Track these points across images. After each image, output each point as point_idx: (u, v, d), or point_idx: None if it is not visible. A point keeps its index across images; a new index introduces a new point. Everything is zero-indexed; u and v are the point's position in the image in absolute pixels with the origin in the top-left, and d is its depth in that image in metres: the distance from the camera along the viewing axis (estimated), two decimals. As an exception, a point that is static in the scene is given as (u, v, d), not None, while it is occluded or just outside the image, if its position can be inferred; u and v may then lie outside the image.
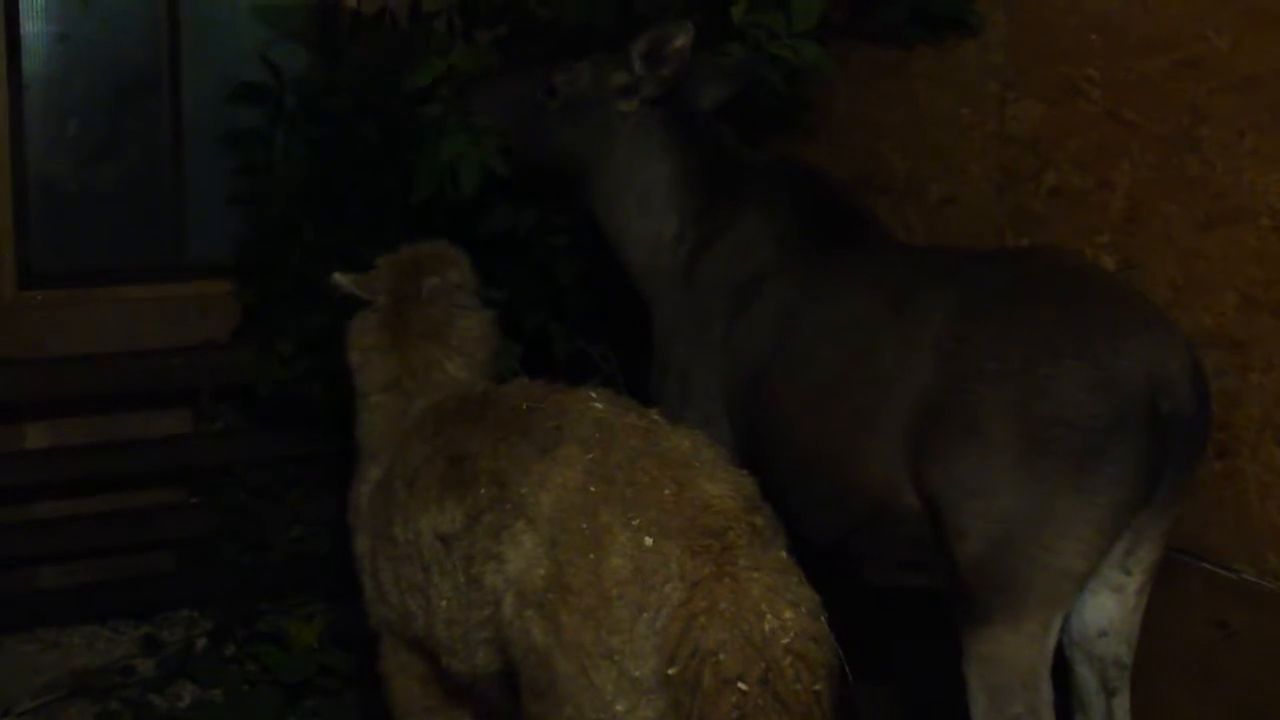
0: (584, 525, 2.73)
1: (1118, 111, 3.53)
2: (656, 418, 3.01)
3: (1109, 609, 3.05)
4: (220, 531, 5.00)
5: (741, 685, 2.51)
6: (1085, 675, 3.11)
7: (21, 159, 5.04)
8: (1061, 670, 3.07)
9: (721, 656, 2.52)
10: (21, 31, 5.06)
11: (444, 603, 3.10)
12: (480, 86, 3.93)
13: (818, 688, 2.57)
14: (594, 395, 3.08)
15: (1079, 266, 3.23)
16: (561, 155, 3.78)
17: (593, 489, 2.77)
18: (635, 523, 2.67)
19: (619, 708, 2.65)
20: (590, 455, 2.84)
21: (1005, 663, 2.89)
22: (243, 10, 5.36)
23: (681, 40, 3.58)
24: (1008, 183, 3.86)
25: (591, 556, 2.68)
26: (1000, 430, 2.83)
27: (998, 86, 3.87)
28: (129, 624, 5.01)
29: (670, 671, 2.57)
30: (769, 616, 2.53)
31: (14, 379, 4.83)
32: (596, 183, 3.76)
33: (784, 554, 2.73)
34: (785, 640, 2.53)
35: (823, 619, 2.63)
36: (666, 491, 2.70)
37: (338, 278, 3.53)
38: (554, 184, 3.94)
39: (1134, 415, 2.79)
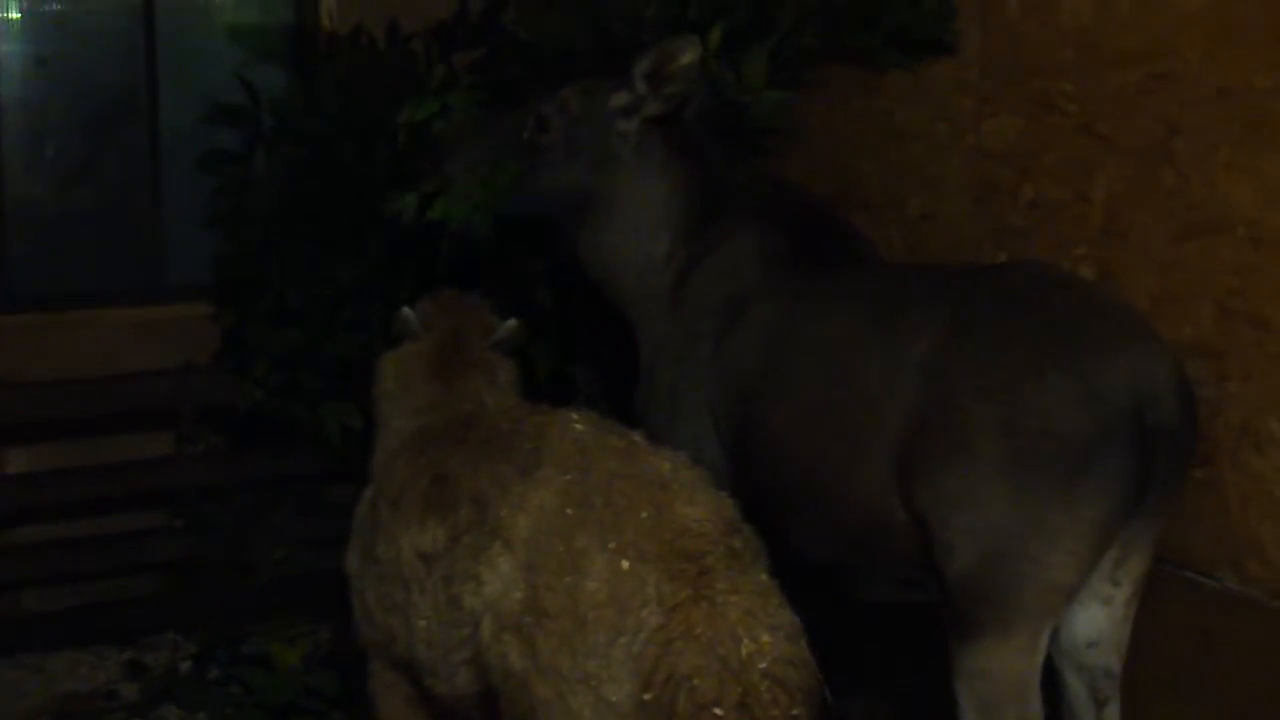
0: (561, 548, 2.72)
1: (1093, 125, 3.54)
2: (637, 439, 3.00)
3: (1098, 620, 3.05)
4: (203, 554, 4.97)
5: (718, 710, 2.51)
6: (1075, 686, 3.10)
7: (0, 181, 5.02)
8: (1051, 681, 3.07)
9: (697, 681, 2.51)
10: (-1, 54, 5.03)
11: (423, 623, 3.09)
12: (458, 148, 3.83)
13: (796, 712, 2.58)
14: (575, 417, 3.08)
15: (1064, 281, 3.23)
16: (558, 190, 3.67)
17: (570, 511, 2.76)
18: (612, 546, 2.66)
19: (596, 732, 2.63)
20: (568, 477, 2.84)
21: (995, 675, 2.89)
22: (220, 33, 5.35)
23: (688, 57, 3.51)
24: (985, 197, 3.86)
25: (568, 580, 2.67)
26: (987, 445, 2.84)
27: (973, 102, 3.87)
28: (112, 648, 4.96)
29: (646, 696, 2.56)
30: (746, 641, 2.53)
31: (-6, 402, 4.80)
32: (590, 210, 3.66)
33: (764, 576, 2.72)
34: (763, 665, 2.53)
35: (802, 642, 2.63)
36: (644, 514, 2.69)
37: (405, 313, 3.57)
38: (539, 222, 3.86)
39: (1120, 428, 2.79)
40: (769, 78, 4.04)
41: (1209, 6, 3.26)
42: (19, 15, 5.24)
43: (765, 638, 2.54)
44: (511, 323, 3.59)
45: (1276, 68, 3.13)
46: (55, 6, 5.32)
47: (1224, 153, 3.24)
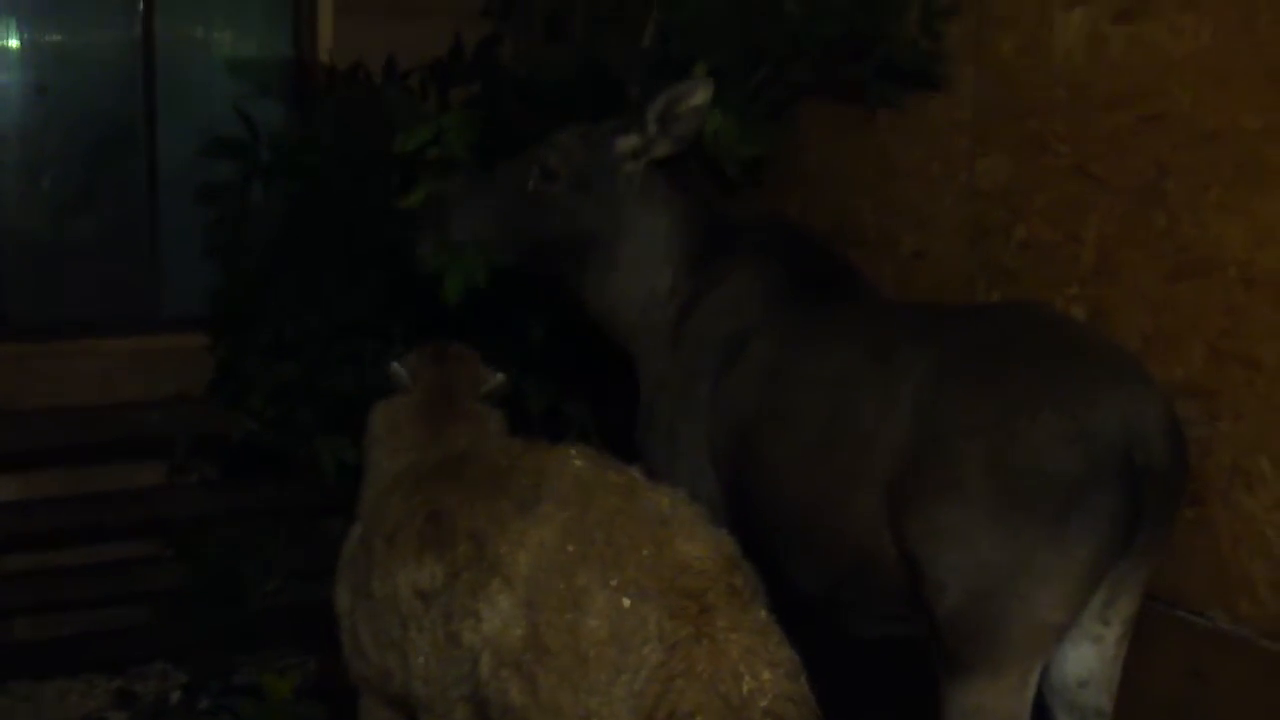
0: (561, 585, 2.71)
1: (1085, 166, 3.56)
2: (636, 475, 2.99)
3: (1089, 659, 3.05)
4: (195, 584, 4.95)
5: (719, 747, 2.50)
6: (1067, 725, 3.10)
7: (-3, 210, 5.04)
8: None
9: (699, 719, 2.50)
10: (-2, 83, 5.05)
11: (421, 659, 3.06)
12: (457, 205, 3.76)
13: (796, 749, 2.56)
14: (573, 453, 3.06)
15: (1055, 321, 3.24)
16: (566, 236, 3.64)
17: (571, 548, 2.75)
18: (613, 583, 2.65)
19: (596, 770, 2.63)
20: (568, 514, 2.82)
21: (986, 713, 2.89)
22: (218, 65, 5.36)
23: (699, 98, 3.51)
24: (978, 236, 3.88)
25: (569, 617, 2.66)
26: (977, 484, 2.83)
27: (967, 141, 3.89)
28: (103, 677, 4.93)
29: None
30: (747, 678, 2.52)
31: (-12, 431, 4.79)
32: (595, 252, 3.64)
33: (764, 613, 2.71)
34: (764, 702, 2.52)
35: (802, 679, 2.62)
36: (645, 552, 2.69)
37: (395, 367, 3.56)
38: (542, 270, 3.83)
39: (1109, 468, 2.79)
40: (756, 112, 4.05)
41: (1199, 50, 3.29)
42: (18, 44, 5.25)
43: (766, 675, 2.53)
44: (499, 377, 3.58)
45: (1266, 110, 3.16)
46: (54, 36, 5.33)
47: (1215, 194, 3.26)
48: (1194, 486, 3.25)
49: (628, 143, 3.57)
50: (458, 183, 3.82)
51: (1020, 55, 3.74)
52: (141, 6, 5.29)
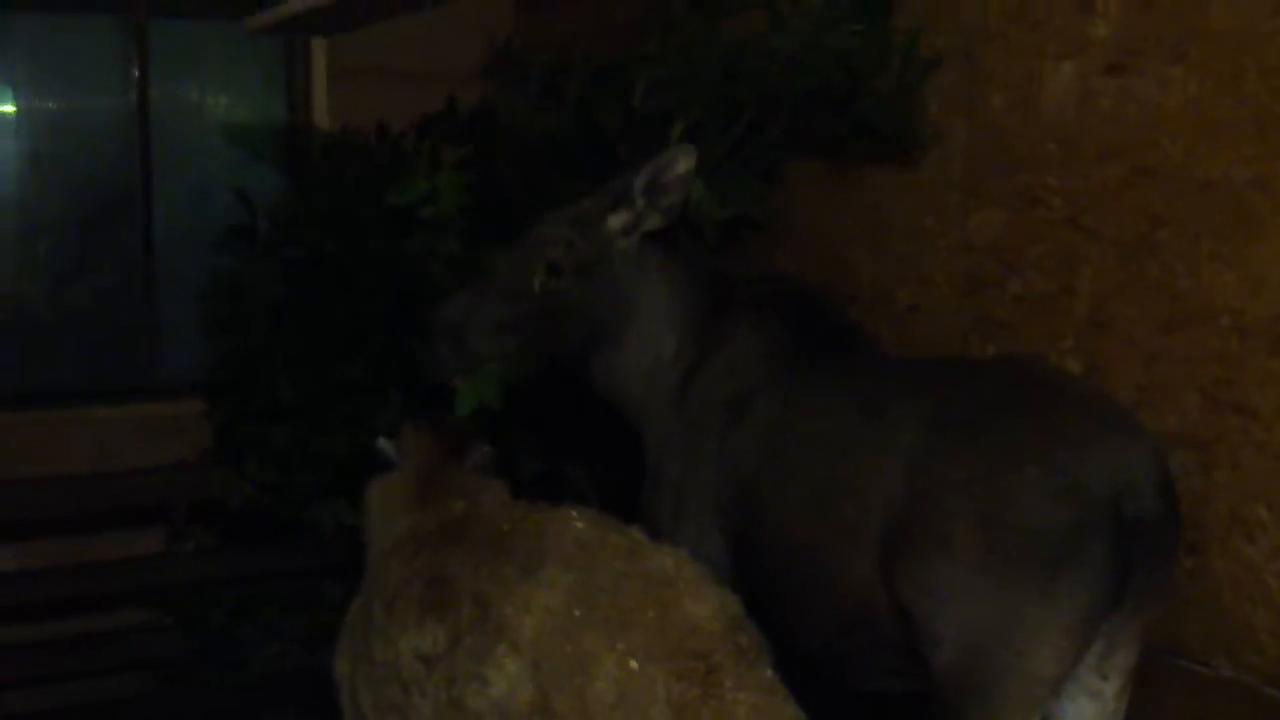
0: (568, 649, 2.70)
1: (1078, 219, 3.57)
2: (638, 536, 2.99)
3: (1087, 714, 3.02)
4: (195, 652, 4.94)
5: (727, 808, 2.50)
6: (1069, 781, 3.09)
7: (-7, 278, 5.06)
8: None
9: (709, 779, 2.51)
10: (-5, 150, 5.07)
11: (424, 725, 3.06)
12: (472, 323, 3.62)
13: (802, 807, 2.56)
14: (575, 514, 3.06)
15: (1045, 374, 3.24)
16: (578, 329, 3.59)
17: (577, 612, 2.75)
18: (620, 646, 2.65)
19: (606, 834, 2.62)
20: (573, 577, 2.82)
21: (986, 768, 2.89)
22: (214, 131, 5.38)
23: (683, 165, 3.47)
24: (973, 290, 3.89)
25: (577, 681, 2.66)
26: (966, 539, 2.83)
27: (959, 196, 3.90)
28: (108, 746, 4.94)
29: None
30: (754, 736, 2.52)
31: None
32: (601, 336, 3.61)
33: (769, 672, 2.72)
34: (771, 759, 2.52)
35: (808, 737, 2.63)
36: (651, 613, 2.69)
37: (382, 443, 3.55)
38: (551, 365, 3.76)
39: (1098, 520, 2.78)
40: (732, 170, 4.06)
41: (1189, 102, 3.30)
42: (13, 110, 5.28)
43: (772, 733, 2.55)
44: (487, 449, 3.57)
45: (1256, 161, 3.17)
46: (50, 104, 5.36)
47: (1207, 244, 3.27)
48: (1193, 536, 3.26)
49: (618, 220, 3.54)
50: (463, 295, 3.74)
51: (1011, 110, 3.75)
52: (137, 73, 5.31)
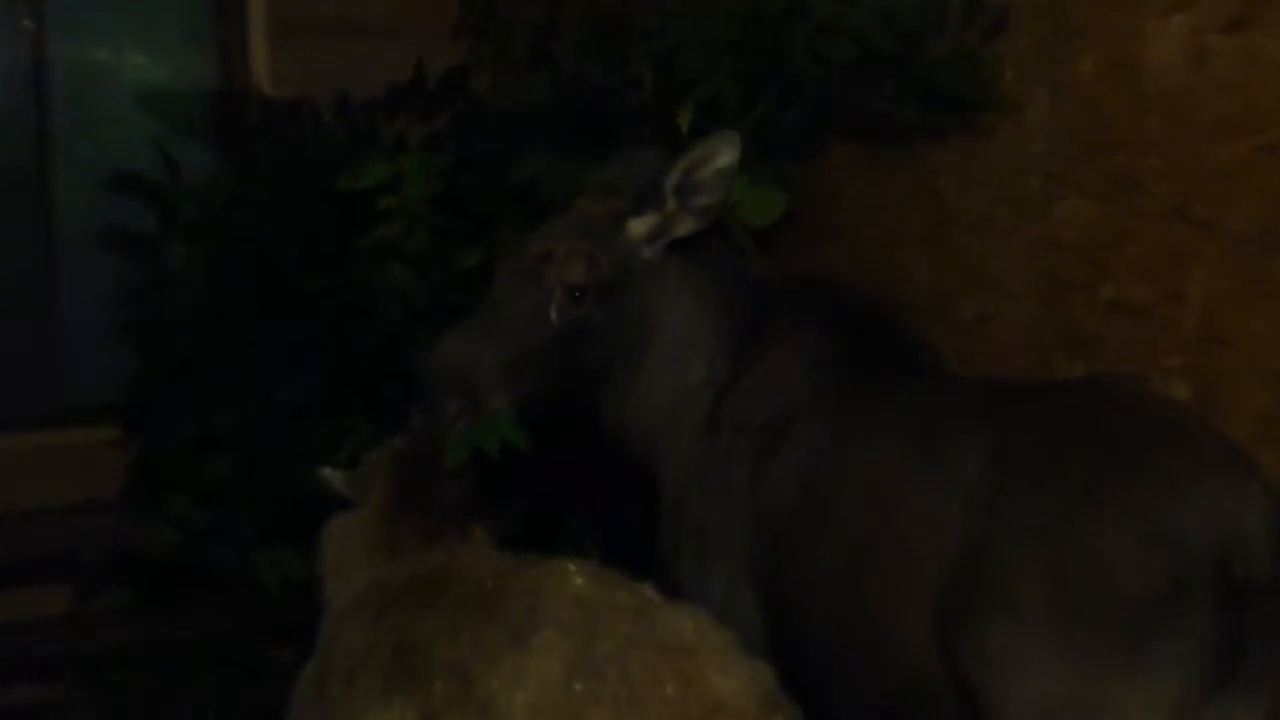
0: (568, 732, 2.70)
1: (1187, 209, 3.54)
2: (650, 594, 2.98)
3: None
4: (110, 731, 4.93)
5: None
6: None
7: None
8: None
9: None
10: None
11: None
12: (480, 372, 3.52)
13: None
14: (573, 568, 3.05)
15: (1142, 400, 3.21)
16: (595, 357, 3.56)
17: (578, 686, 2.73)
18: (630, 729, 2.64)
19: None
20: (572, 644, 2.81)
21: None
22: (128, 100, 5.37)
23: (725, 158, 3.44)
24: (1056, 297, 3.88)
25: (578, 772, 2.66)
26: (1035, 599, 2.80)
27: (1040, 181, 3.89)
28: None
29: None
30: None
31: None
32: (617, 365, 3.61)
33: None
34: None
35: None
36: (669, 689, 2.67)
37: (327, 474, 3.54)
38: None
39: (1198, 579, 2.72)
40: (756, 159, 4.04)
41: (1327, 66, 3.30)
42: None
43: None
44: (467, 486, 3.58)
45: None
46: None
47: (1349, 240, 3.26)
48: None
49: (643, 226, 3.52)
50: (463, 332, 3.69)
51: (1105, 75, 3.72)
52: (32, 23, 5.30)
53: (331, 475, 3.54)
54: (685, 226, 3.51)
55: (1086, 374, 3.79)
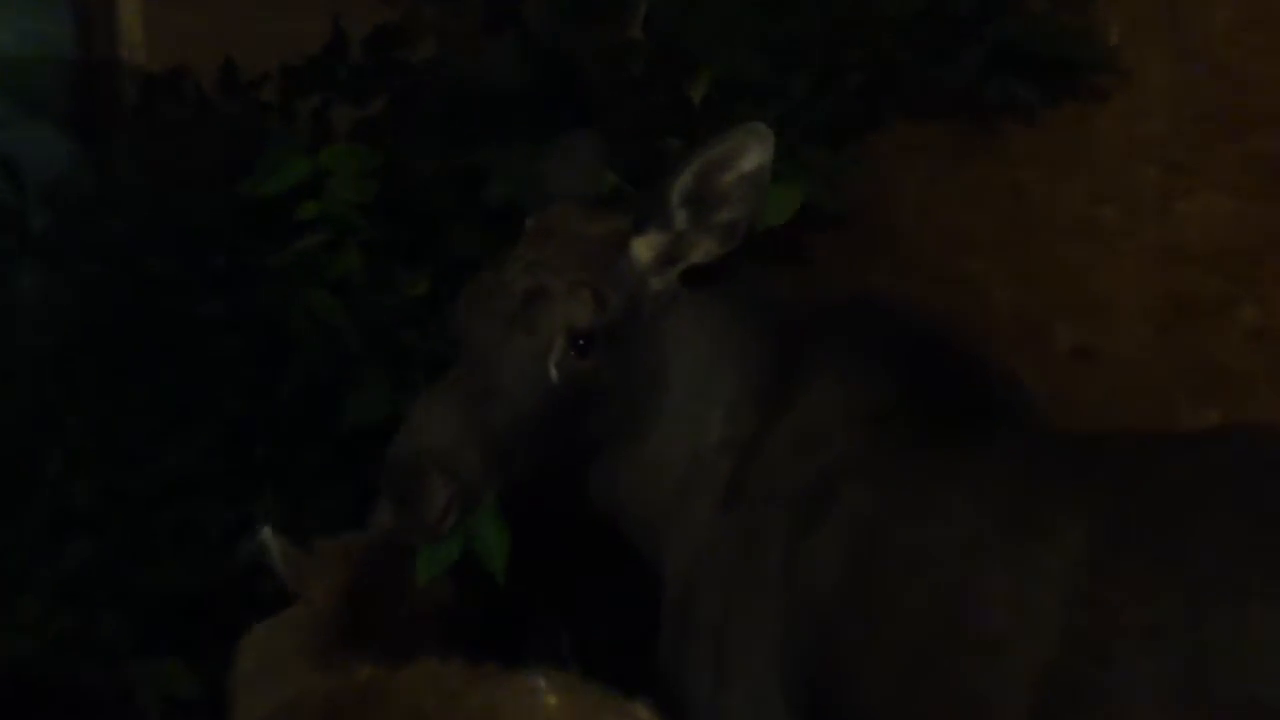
0: None
1: (1353, 207, 3.57)
2: (644, 716, 3.02)
3: None
4: None
5: None
6: None
7: None
8: None
9: None
10: None
11: None
12: (459, 454, 3.47)
13: None
14: (543, 684, 3.07)
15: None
16: (599, 419, 3.54)
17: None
18: None
19: None
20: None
21: None
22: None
23: (754, 159, 3.38)
24: (1180, 320, 3.89)
25: None
26: (1158, 716, 2.80)
27: (1158, 172, 3.91)
28: None
29: None
30: None
31: None
32: (623, 423, 3.59)
33: None
34: None
35: None
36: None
37: (268, 538, 3.53)
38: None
39: None
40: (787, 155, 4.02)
41: None
42: None
43: None
44: (442, 589, 3.60)
45: None
46: None
47: None
48: None
49: (649, 247, 3.50)
50: (435, 404, 3.63)
51: (1244, 30, 3.73)
52: None
53: (273, 542, 3.53)
54: (702, 249, 3.47)
55: (1222, 423, 3.79)
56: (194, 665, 4.14)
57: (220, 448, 4.53)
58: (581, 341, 3.39)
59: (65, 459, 4.52)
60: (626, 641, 3.78)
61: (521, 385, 3.41)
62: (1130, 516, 2.97)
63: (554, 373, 3.40)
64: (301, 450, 4.36)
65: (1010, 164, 4.22)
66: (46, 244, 4.72)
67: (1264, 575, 2.77)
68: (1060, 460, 3.29)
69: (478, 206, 4.17)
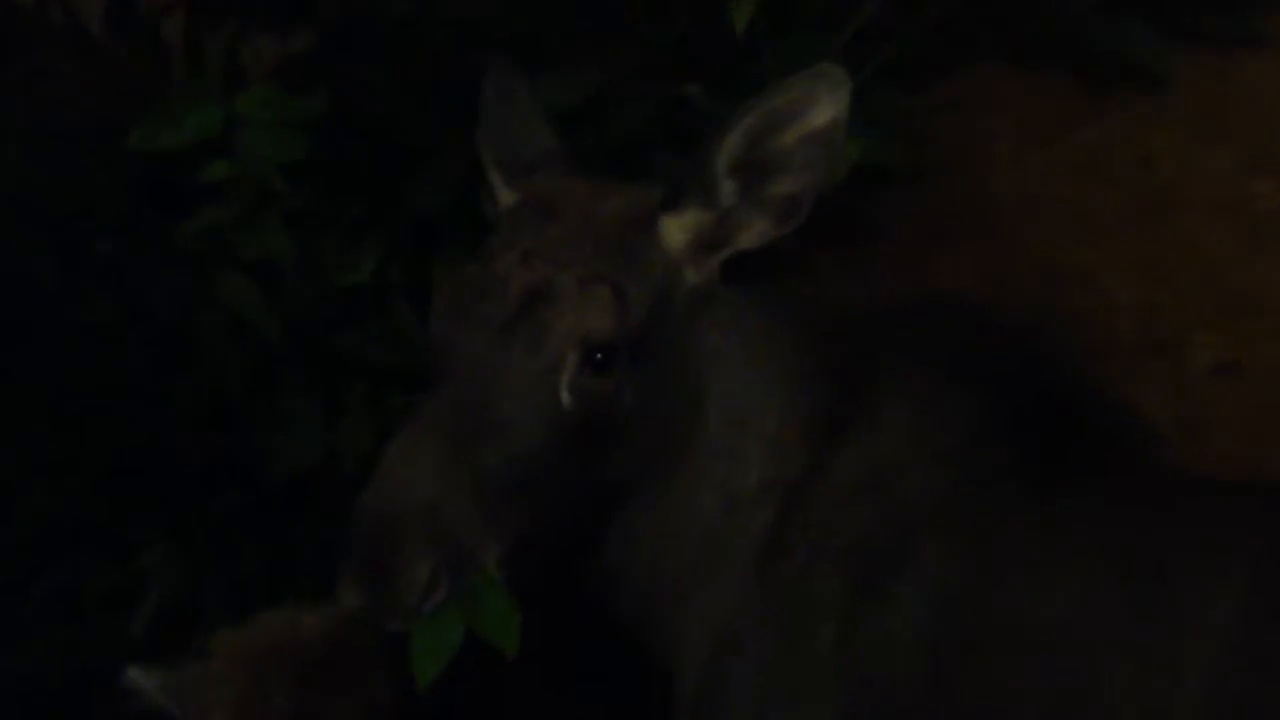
0: None
1: None
2: None
3: None
4: None
5: None
6: None
7: None
8: None
9: None
10: None
11: None
12: (446, 511, 3.36)
13: None
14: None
15: None
16: (630, 457, 3.47)
17: None
18: None
19: None
20: None
21: None
22: None
23: (826, 111, 3.34)
24: (1355, 334, 3.88)
25: None
26: None
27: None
28: None
29: None
30: None
31: None
32: (651, 463, 3.54)
33: None
34: None
35: None
36: None
37: (136, 677, 3.54)
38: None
39: None
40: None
41: None
42: None
43: None
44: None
45: None
46: None
47: None
48: None
49: (685, 228, 3.45)
50: (415, 448, 3.59)
51: None
52: None
53: (142, 678, 3.53)
54: (754, 231, 3.42)
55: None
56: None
57: (103, 489, 4.54)
58: (599, 355, 3.31)
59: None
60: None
61: (523, 414, 3.34)
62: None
63: (565, 397, 3.32)
64: (208, 491, 4.35)
65: (1136, 127, 4.24)
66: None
67: None
68: (1198, 506, 3.36)
69: (444, 171, 4.14)
